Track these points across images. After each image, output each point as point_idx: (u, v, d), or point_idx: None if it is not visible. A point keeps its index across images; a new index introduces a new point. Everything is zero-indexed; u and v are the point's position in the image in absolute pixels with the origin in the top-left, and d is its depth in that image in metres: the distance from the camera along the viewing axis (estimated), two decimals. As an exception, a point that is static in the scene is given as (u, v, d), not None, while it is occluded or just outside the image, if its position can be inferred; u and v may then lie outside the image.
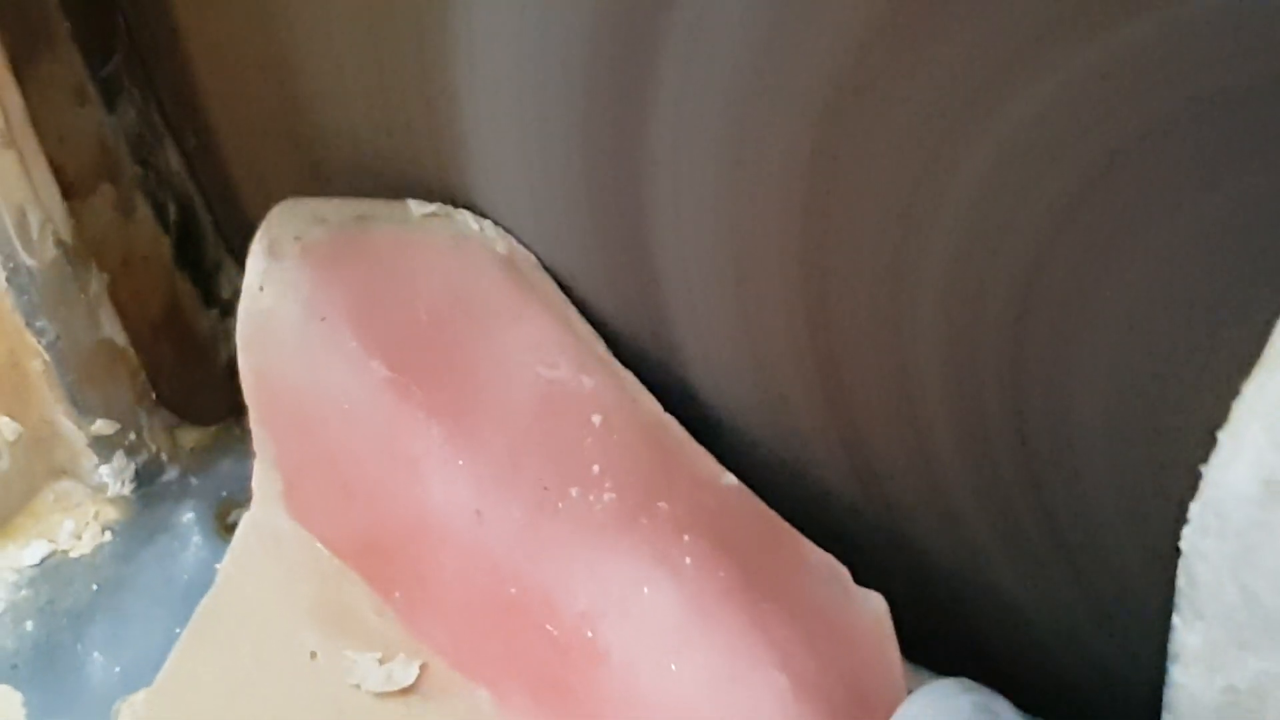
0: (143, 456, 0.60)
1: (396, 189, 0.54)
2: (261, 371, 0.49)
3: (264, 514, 0.51)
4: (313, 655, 0.48)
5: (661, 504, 0.47)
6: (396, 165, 0.53)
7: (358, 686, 0.47)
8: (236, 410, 0.63)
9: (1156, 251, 0.40)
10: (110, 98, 0.58)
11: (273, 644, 0.49)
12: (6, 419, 0.57)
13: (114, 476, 0.59)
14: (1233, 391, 0.37)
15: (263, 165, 0.59)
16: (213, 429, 0.62)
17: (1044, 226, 0.41)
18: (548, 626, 0.47)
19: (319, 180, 0.56)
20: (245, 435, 0.63)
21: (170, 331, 0.61)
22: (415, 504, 0.48)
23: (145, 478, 0.60)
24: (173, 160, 0.60)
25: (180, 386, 0.61)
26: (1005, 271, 0.42)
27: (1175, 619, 0.40)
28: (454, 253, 0.50)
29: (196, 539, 0.58)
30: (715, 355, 0.50)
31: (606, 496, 0.47)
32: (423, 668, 0.48)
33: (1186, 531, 0.38)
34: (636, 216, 0.48)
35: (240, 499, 0.60)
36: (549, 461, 0.48)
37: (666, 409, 0.51)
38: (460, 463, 0.47)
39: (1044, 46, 0.37)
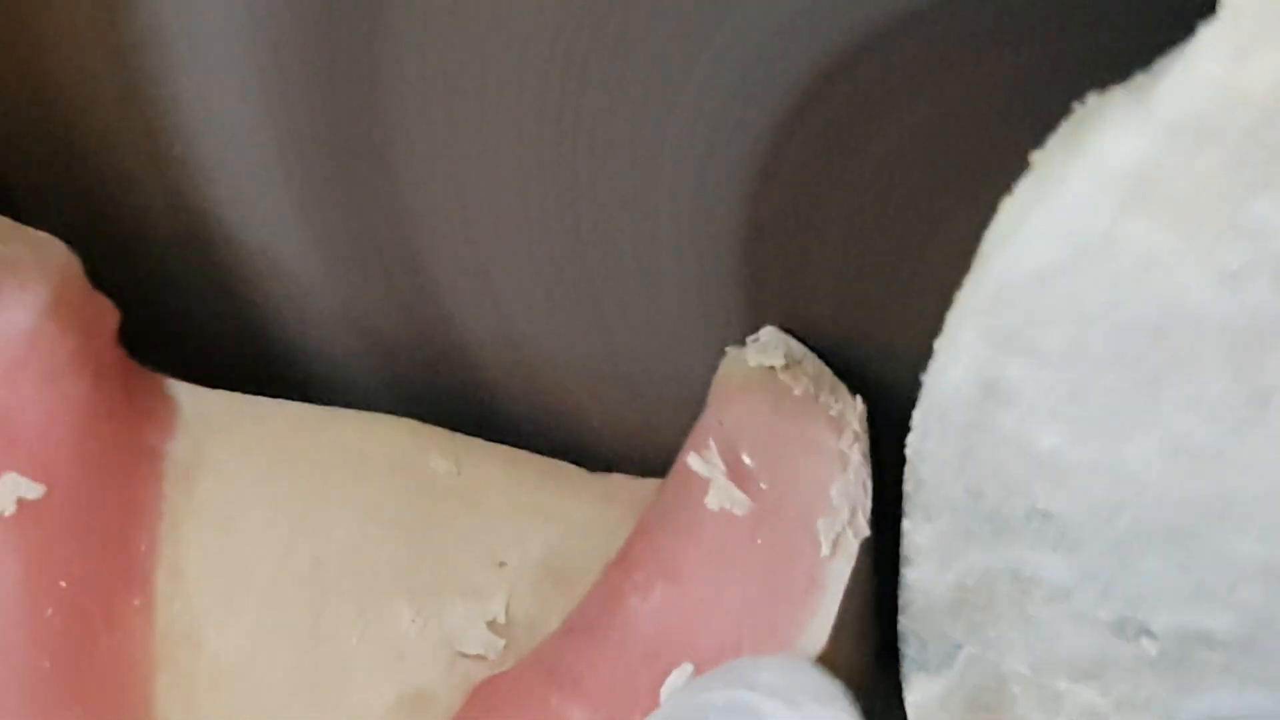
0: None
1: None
2: None
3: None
4: None
5: None
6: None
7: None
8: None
9: (882, 151, 0.41)
10: None
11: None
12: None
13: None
14: (949, 300, 0.38)
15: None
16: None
17: (775, 122, 0.42)
18: None
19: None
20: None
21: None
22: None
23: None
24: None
25: None
26: (738, 168, 0.43)
27: (905, 523, 0.41)
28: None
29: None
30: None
31: None
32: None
33: (911, 438, 0.39)
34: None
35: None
36: None
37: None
38: None
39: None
